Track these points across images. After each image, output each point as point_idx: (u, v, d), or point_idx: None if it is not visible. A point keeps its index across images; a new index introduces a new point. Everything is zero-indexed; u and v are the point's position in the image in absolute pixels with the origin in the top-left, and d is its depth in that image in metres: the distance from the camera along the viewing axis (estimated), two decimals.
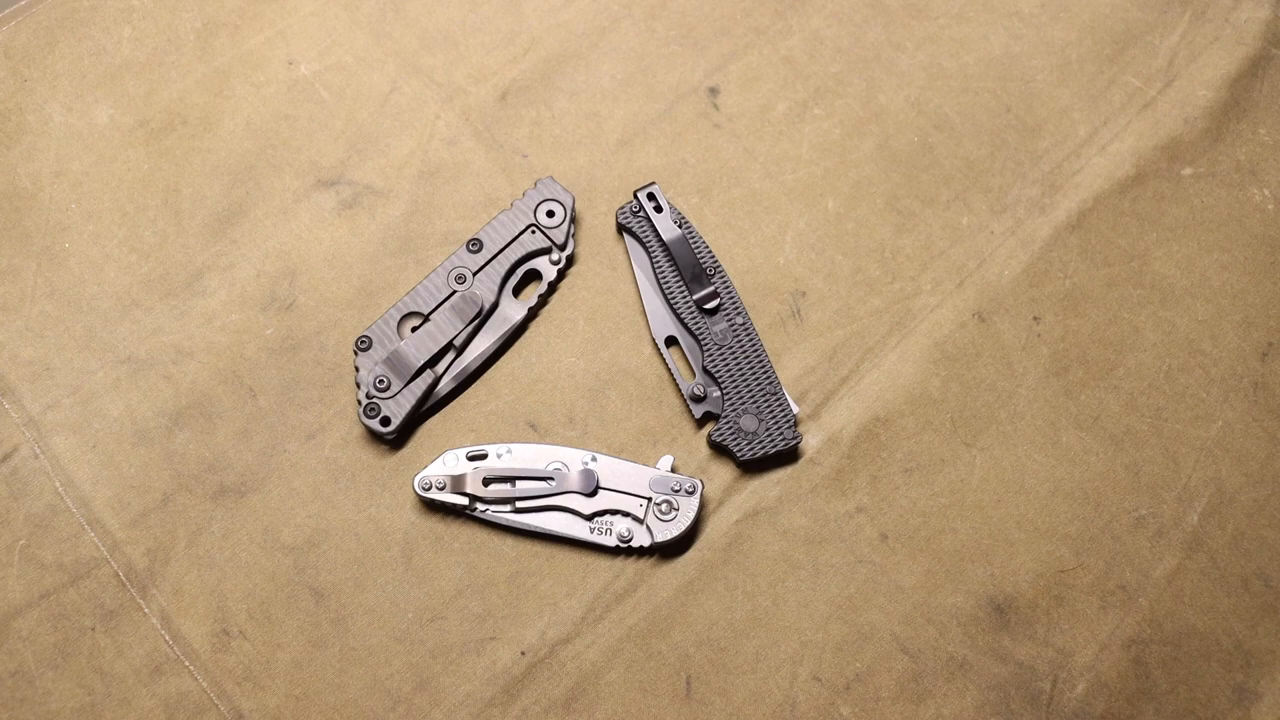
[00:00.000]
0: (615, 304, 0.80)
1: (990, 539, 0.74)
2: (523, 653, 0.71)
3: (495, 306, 0.78)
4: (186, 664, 0.69)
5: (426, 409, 0.76)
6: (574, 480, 0.72)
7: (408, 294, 0.77)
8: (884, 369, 0.78)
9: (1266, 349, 0.81)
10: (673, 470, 0.74)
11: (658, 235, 0.79)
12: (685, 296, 0.78)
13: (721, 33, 0.88)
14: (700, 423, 0.77)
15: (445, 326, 0.76)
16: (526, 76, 0.86)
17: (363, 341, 0.75)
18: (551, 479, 0.72)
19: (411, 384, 0.74)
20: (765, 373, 0.76)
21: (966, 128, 0.86)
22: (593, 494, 0.72)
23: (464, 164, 0.83)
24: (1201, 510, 0.76)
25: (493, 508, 0.72)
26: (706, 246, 0.79)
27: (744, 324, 0.77)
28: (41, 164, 0.80)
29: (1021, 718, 0.70)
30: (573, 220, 0.80)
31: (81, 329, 0.76)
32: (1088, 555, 0.74)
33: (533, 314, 0.79)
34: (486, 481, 0.72)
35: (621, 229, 0.81)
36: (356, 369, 0.74)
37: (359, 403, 0.73)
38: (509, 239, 0.78)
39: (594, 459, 0.73)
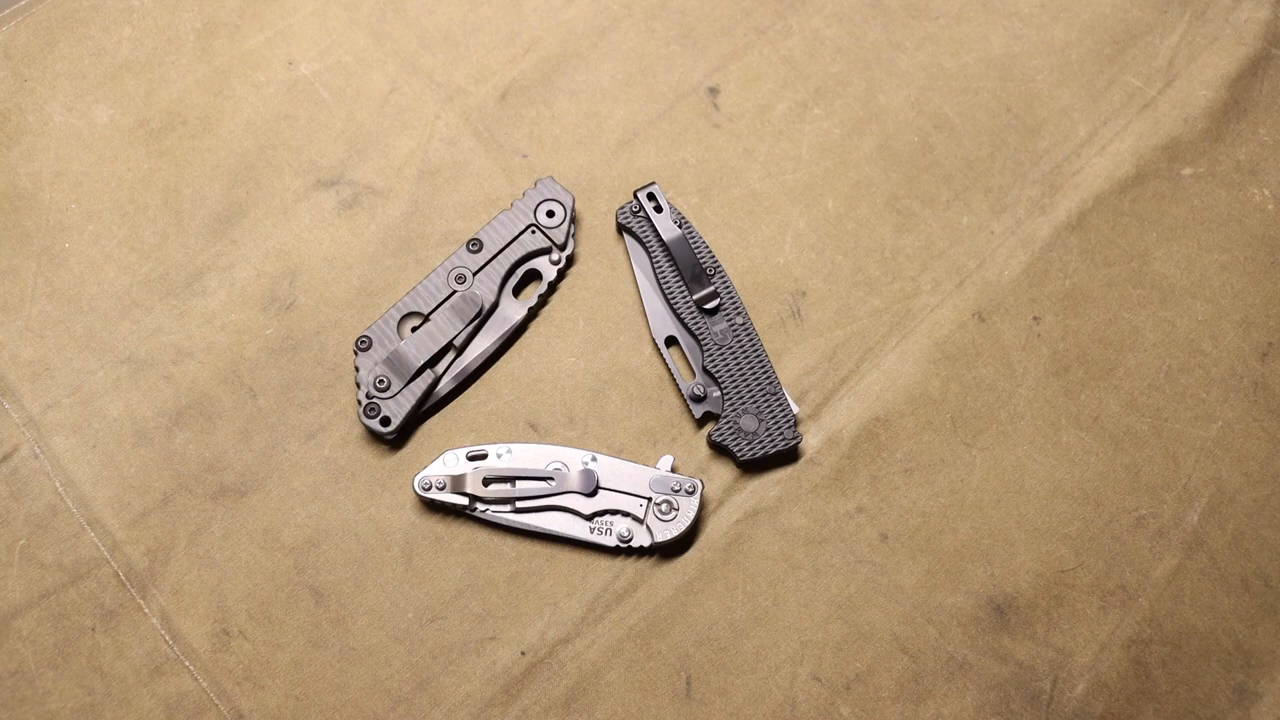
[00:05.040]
0: (615, 304, 0.80)
1: (990, 539, 0.74)
2: (523, 653, 0.71)
3: (495, 306, 0.78)
4: (186, 664, 0.69)
5: (426, 409, 0.76)
6: (574, 480, 0.72)
7: (408, 294, 0.77)
8: (884, 369, 0.78)
9: (1266, 349, 0.81)
10: (673, 470, 0.74)
11: (658, 235, 0.79)
12: (685, 296, 0.78)
13: (721, 33, 0.88)
14: (700, 423, 0.77)
15: (445, 326, 0.76)
16: (526, 76, 0.86)
17: (363, 341, 0.75)
18: (551, 479, 0.72)
19: (411, 384, 0.74)
20: (765, 373, 0.76)
21: (966, 128, 0.86)
22: (593, 494, 0.72)
23: (464, 164, 0.83)
24: (1201, 510, 0.76)
25: (493, 508, 0.72)
26: (706, 246, 0.79)
27: (744, 324, 0.77)
28: (41, 164, 0.80)
29: (1021, 718, 0.70)
30: (573, 220, 0.80)
31: (81, 329, 0.76)
32: (1088, 555, 0.74)
33: (533, 314, 0.79)
34: (486, 481, 0.72)
35: (621, 229, 0.81)
36: (356, 369, 0.74)
37: (359, 403, 0.73)
38: (509, 239, 0.78)
39: (594, 459, 0.73)
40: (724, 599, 0.72)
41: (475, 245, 0.78)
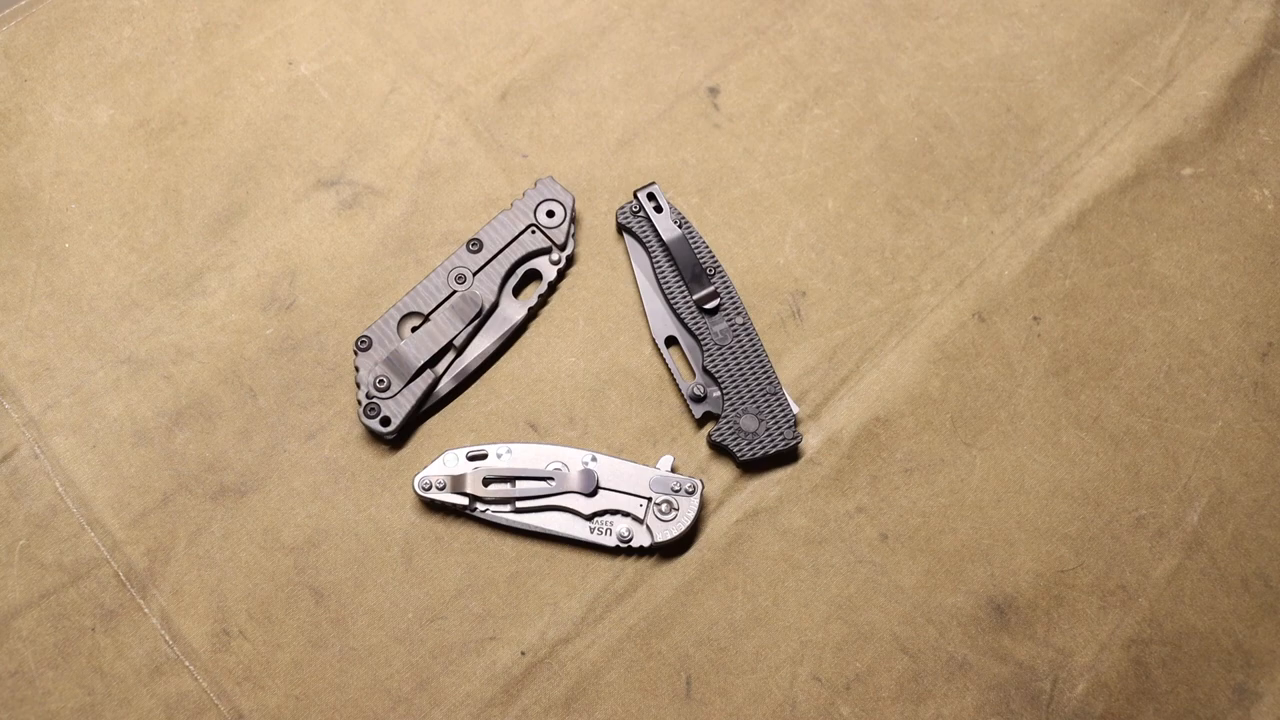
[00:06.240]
0: (615, 304, 0.80)
1: (990, 539, 0.74)
2: (523, 653, 0.71)
3: (495, 306, 0.78)
4: (186, 664, 0.69)
5: (426, 409, 0.76)
6: (574, 480, 0.72)
7: (408, 294, 0.77)
8: (884, 369, 0.78)
9: (1266, 349, 0.81)
10: (673, 470, 0.74)
11: (658, 235, 0.79)
12: (685, 296, 0.78)
13: (721, 33, 0.88)
14: (700, 423, 0.77)
15: (445, 326, 0.76)
16: (526, 76, 0.86)
17: (363, 341, 0.75)
18: (551, 479, 0.72)
19: (411, 384, 0.74)
20: (765, 373, 0.76)
21: (966, 128, 0.86)
22: (593, 494, 0.72)
23: (464, 164, 0.83)
24: (1201, 510, 0.76)
25: (493, 508, 0.72)
26: (706, 246, 0.79)
27: (744, 324, 0.77)
28: (41, 164, 0.80)
29: (1021, 718, 0.70)
30: (573, 220, 0.80)
31: (81, 329, 0.76)
32: (1088, 555, 0.74)
33: (533, 314, 0.79)
34: (486, 481, 0.72)
35: (621, 229, 0.81)
36: (356, 369, 0.74)
37: (359, 403, 0.73)
38: (509, 239, 0.78)
39: (594, 459, 0.73)
40: (724, 599, 0.72)
41: (475, 245, 0.78)
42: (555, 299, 0.80)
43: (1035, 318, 0.80)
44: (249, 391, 0.75)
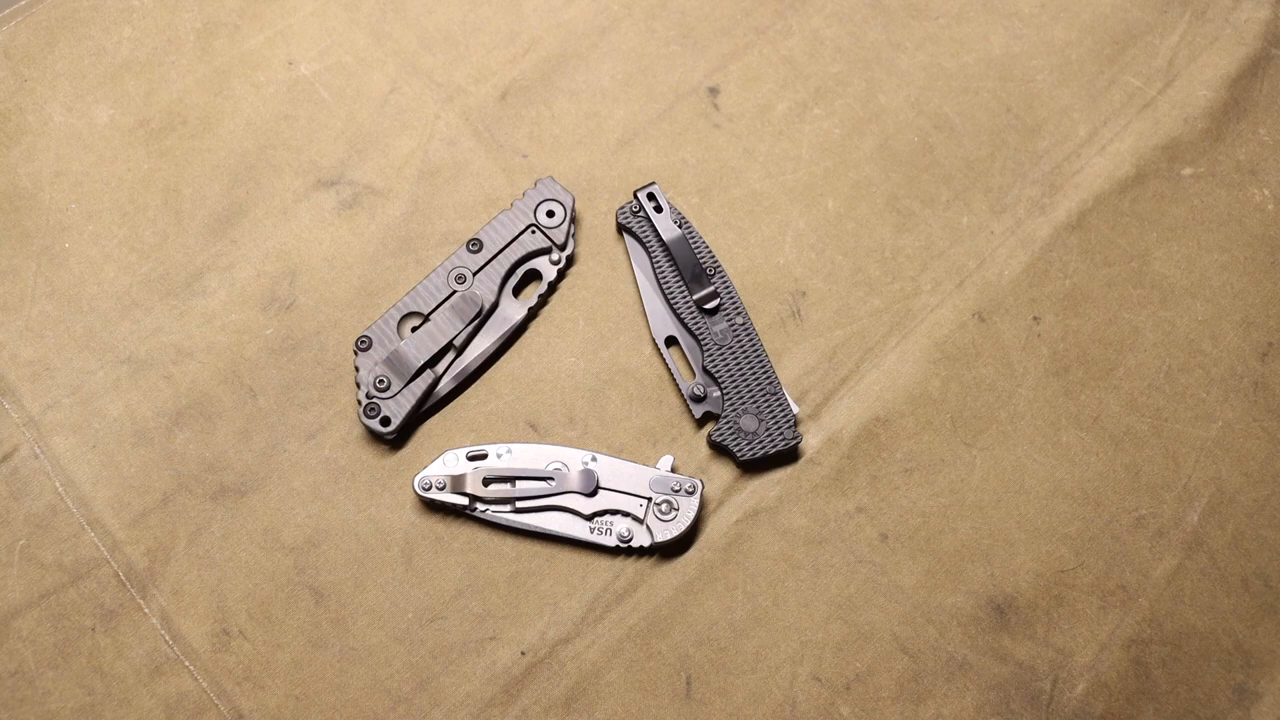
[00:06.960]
0: (615, 304, 0.80)
1: (990, 539, 0.74)
2: (523, 653, 0.71)
3: (495, 306, 0.78)
4: (186, 664, 0.69)
5: (426, 409, 0.76)
6: (574, 480, 0.72)
7: (408, 294, 0.77)
8: (884, 369, 0.78)
9: (1266, 349, 0.81)
10: (673, 470, 0.74)
11: (658, 235, 0.79)
12: (685, 296, 0.78)
13: (721, 33, 0.88)
14: (700, 423, 0.77)
15: (445, 326, 0.76)
16: (526, 76, 0.86)
17: (363, 341, 0.75)
18: (551, 479, 0.72)
19: (411, 384, 0.74)
20: (765, 373, 0.76)
21: (966, 128, 0.86)
22: (593, 494, 0.72)
23: (464, 164, 0.83)
24: (1201, 510, 0.76)
25: (493, 508, 0.72)
26: (706, 246, 0.79)
27: (744, 324, 0.77)
28: (41, 164, 0.80)
29: (1021, 718, 0.70)
30: (573, 220, 0.80)
31: (81, 329, 0.76)
32: (1088, 555, 0.74)
33: (533, 314, 0.79)
34: (486, 481, 0.72)
35: (621, 229, 0.81)
36: (356, 369, 0.74)
37: (359, 403, 0.73)
38: (509, 239, 0.78)
39: (594, 459, 0.73)
40: (724, 599, 0.72)
41: (475, 245, 0.78)
42: (555, 299, 0.80)
43: (1035, 318, 0.80)
44: (249, 391, 0.75)
